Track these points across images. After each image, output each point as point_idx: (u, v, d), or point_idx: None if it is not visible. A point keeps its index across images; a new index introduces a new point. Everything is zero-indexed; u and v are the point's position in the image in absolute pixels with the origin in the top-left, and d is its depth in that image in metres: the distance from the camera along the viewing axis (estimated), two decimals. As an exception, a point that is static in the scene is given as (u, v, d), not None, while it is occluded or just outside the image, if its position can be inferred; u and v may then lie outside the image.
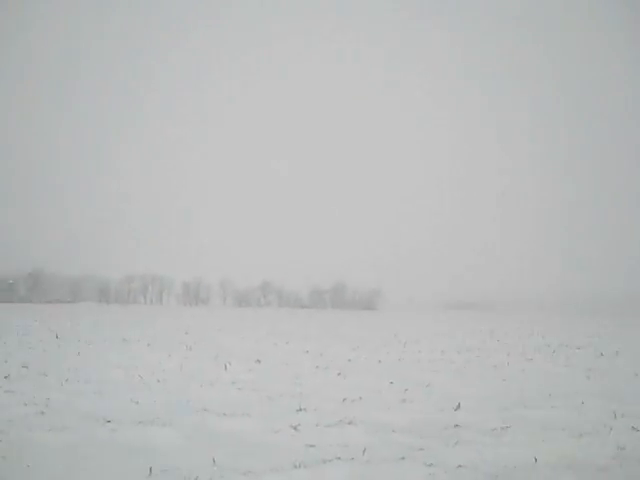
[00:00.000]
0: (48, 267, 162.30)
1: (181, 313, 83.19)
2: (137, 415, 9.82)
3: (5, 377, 13.63)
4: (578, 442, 8.59)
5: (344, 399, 11.63)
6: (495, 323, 63.81)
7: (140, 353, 19.97)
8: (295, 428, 9.07)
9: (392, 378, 14.69)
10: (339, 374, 15.51)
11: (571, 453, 7.92)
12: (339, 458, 7.50)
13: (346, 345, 25.72)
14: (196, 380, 13.95)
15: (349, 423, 9.52)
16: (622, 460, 7.69)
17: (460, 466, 7.21)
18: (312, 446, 8.07)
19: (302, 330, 40.04)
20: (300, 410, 10.49)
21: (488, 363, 18.94)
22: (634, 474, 7.19)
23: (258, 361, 18.12)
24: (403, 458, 7.53)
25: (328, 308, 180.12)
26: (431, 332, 40.62)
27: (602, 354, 22.86)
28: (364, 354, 21.45)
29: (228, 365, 16.67)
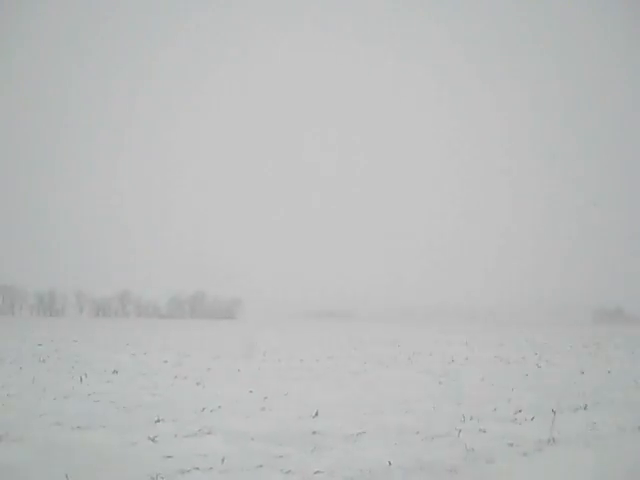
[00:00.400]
0: None
1: (35, 324, 79.80)
2: (-16, 431, 9.37)
3: None
4: (430, 445, 8.93)
5: (203, 409, 11.55)
6: (354, 331, 65.09)
7: (-13, 367, 19.03)
8: (153, 439, 8.93)
9: (252, 387, 14.72)
10: (198, 384, 15.38)
11: (423, 456, 8.21)
12: (197, 468, 7.45)
13: (205, 354, 25.54)
14: (50, 393, 13.44)
15: (208, 433, 9.46)
16: (471, 461, 8.06)
17: (317, 472, 7.33)
18: (170, 457, 7.96)
19: (161, 340, 39.39)
20: (158, 421, 10.33)
21: (346, 370, 19.31)
22: (482, 474, 7.52)
23: (115, 372, 17.69)
24: (261, 466, 7.57)
25: (187, 317, 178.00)
26: (291, 341, 40.97)
27: (453, 360, 23.81)
28: (224, 363, 21.36)
29: (84, 377, 16.17)
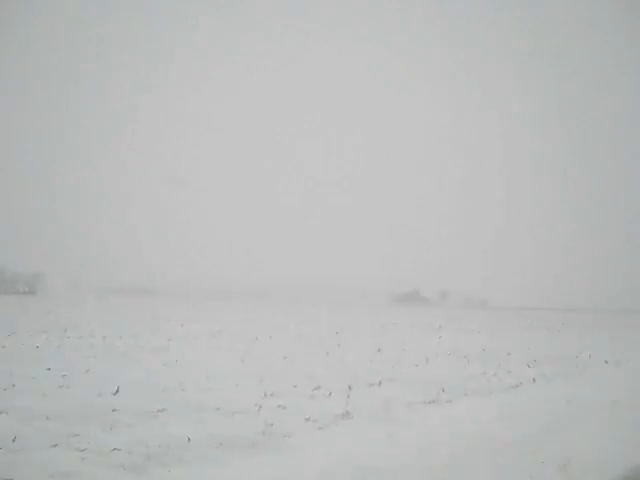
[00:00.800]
0: None
1: None
2: None
3: None
4: (230, 421, 9.09)
5: (-5, 387, 11.04)
6: (160, 309, 64.26)
7: None
8: None
9: (50, 364, 14.20)
10: (-10, 362, 14.66)
11: (223, 431, 8.35)
12: (-15, 449, 7.14)
13: (0, 331, 24.28)
14: None
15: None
16: (269, 436, 8.29)
17: (114, 449, 7.25)
18: (-45, 438, 7.57)
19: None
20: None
21: (149, 347, 19.11)
22: (279, 448, 7.77)
23: None
24: (56, 445, 7.37)
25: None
26: (94, 318, 39.81)
27: (257, 338, 24.20)
28: (21, 340, 20.43)
29: None
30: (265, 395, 11.10)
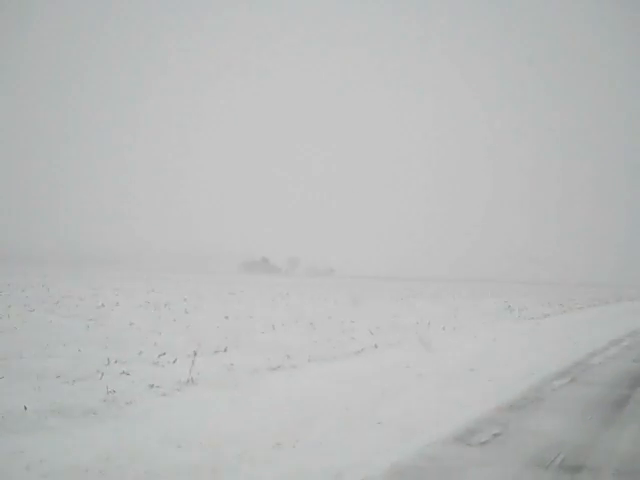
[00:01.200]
0: None
1: None
2: None
3: None
4: (71, 388, 8.90)
5: None
6: (6, 277, 61.45)
7: None
8: None
9: None
10: None
11: (62, 399, 8.17)
12: None
13: None
14: None
15: None
16: (111, 403, 8.21)
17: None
18: None
19: None
20: None
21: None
22: (120, 415, 7.72)
23: None
24: None
25: None
26: None
27: (103, 305, 23.68)
28: None
29: None
30: (109, 362, 10.93)
